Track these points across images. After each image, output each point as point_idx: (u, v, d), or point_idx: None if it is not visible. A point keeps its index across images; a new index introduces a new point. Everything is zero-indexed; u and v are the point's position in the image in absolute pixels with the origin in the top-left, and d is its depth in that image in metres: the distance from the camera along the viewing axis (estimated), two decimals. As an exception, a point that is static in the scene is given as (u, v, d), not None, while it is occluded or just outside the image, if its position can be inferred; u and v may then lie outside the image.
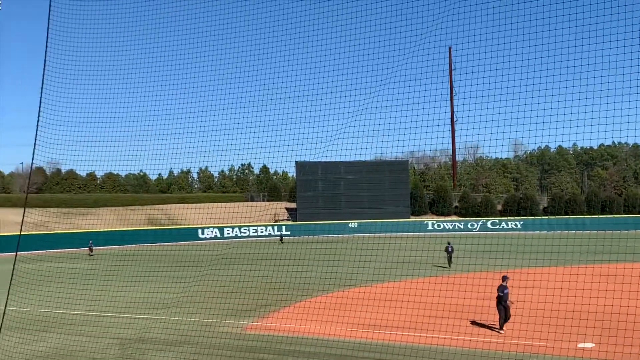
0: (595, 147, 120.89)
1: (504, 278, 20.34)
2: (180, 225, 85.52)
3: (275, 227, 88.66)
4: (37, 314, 23.43)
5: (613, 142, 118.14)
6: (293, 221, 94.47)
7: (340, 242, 50.21)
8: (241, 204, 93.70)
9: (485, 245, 25.79)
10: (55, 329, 21.34)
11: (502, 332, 19.48)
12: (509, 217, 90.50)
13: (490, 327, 20.41)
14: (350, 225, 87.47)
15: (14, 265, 15.42)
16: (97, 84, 18.49)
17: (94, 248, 61.96)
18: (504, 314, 19.75)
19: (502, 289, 20.00)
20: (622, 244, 30.11)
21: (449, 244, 41.27)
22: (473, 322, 21.17)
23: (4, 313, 15.24)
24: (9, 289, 14.87)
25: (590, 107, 15.37)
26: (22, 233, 16.37)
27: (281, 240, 75.49)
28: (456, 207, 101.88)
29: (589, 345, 17.16)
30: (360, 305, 21.58)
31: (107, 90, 18.87)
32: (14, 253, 18.35)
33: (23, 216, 16.71)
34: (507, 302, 19.83)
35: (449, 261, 40.22)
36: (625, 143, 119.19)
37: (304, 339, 19.04)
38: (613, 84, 15.18)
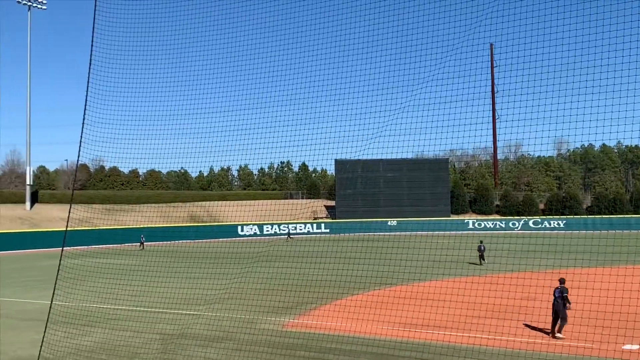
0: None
1: (561, 281, 19.55)
2: (220, 222, 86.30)
3: (315, 225, 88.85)
4: (81, 308, 23.92)
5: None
6: (332, 219, 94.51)
7: (379, 241, 50.08)
8: (280, 201, 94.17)
9: (528, 245, 25.44)
10: (99, 323, 21.76)
11: (559, 335, 18.74)
12: (551, 217, 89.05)
13: (533, 328, 20.10)
14: (389, 223, 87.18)
15: (60, 261, 15.75)
16: (140, 81, 18.74)
17: (145, 243, 63.74)
18: (559, 317, 18.91)
19: (557, 291, 19.19)
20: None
21: (481, 242, 42.33)
22: (526, 325, 20.89)
23: (50, 307, 15.59)
24: (55, 284, 15.20)
25: (637, 105, 15.01)
26: (67, 229, 16.72)
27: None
28: (497, 205, 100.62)
29: (635, 347, 16.79)
30: (400, 303, 21.46)
31: (150, 88, 19.11)
32: (60, 249, 18.73)
33: (69, 212, 17.05)
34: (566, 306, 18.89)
35: (481, 259, 41.57)
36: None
37: (343, 337, 19.04)
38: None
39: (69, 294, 22.06)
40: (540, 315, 19.63)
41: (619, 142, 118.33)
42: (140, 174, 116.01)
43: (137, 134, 19.15)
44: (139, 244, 64.35)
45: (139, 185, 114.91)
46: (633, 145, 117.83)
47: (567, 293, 19.05)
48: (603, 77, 14.82)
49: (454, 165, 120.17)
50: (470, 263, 41.02)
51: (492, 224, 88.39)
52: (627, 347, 16.82)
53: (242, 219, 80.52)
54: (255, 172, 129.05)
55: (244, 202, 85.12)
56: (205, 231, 77.90)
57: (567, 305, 18.94)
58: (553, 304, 19.14)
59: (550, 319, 19.43)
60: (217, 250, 43.73)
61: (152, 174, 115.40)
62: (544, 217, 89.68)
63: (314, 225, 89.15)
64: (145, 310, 24.48)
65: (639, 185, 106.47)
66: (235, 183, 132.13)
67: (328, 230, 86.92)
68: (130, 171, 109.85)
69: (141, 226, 71.79)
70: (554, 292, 19.36)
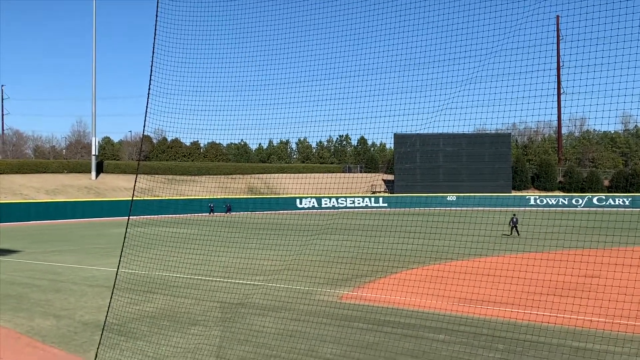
0: None
1: None
2: (279, 194, 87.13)
3: (373, 199, 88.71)
4: (144, 276, 24.60)
5: None
6: (390, 193, 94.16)
7: (438, 215, 49.65)
8: (339, 175, 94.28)
9: (591, 222, 24.75)
10: (161, 290, 22.36)
11: None
12: (616, 194, 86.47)
13: (595, 306, 19.62)
14: (448, 198, 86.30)
15: (126, 229, 16.19)
16: (204, 53, 18.90)
17: (215, 213, 67.19)
18: None
19: None
20: None
21: (514, 215, 44.93)
22: (588, 303, 20.44)
23: (117, 274, 16.08)
24: (122, 251, 15.66)
25: None
26: (134, 198, 17.13)
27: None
28: (560, 182, 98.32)
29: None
30: (458, 278, 21.28)
31: (213, 60, 19.25)
32: (124, 217, 19.26)
33: (135, 182, 17.47)
34: None
35: (513, 231, 44.05)
36: None
37: (400, 310, 19.03)
38: None
39: (133, 261, 22.75)
40: (604, 293, 19.08)
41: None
42: (202, 145, 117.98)
43: (199, 106, 19.35)
44: (208, 213, 67.55)
45: (200, 157, 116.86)
46: None
47: None
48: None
49: (517, 140, 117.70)
50: (504, 235, 42.45)
51: (555, 200, 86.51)
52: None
53: (300, 192, 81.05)
54: (314, 145, 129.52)
55: (303, 175, 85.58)
56: (264, 203, 78.80)
57: None
58: None
59: (614, 297, 18.87)
60: (275, 222, 44.22)
61: (213, 145, 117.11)
62: (609, 194, 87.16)
63: (372, 199, 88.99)
64: (205, 279, 25.02)
65: None
66: (294, 156, 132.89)
67: (386, 205, 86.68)
68: (191, 143, 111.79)
69: (202, 197, 73.08)
70: None
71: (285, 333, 16.51)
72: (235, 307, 19.97)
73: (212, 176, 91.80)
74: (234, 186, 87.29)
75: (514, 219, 44.27)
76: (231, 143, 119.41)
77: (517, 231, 43.90)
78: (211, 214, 69.10)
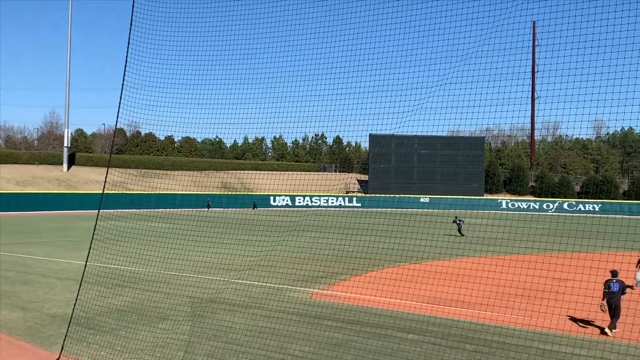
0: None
1: (614, 273, 17.94)
2: (253, 191, 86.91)
3: (347, 199, 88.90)
4: (114, 270, 24.38)
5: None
6: (364, 193, 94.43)
7: (411, 216, 49.95)
8: (313, 173, 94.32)
9: (563, 224, 25.12)
10: (130, 285, 22.16)
11: (612, 332, 17.01)
12: (587, 200, 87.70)
13: (562, 308, 19.89)
14: (421, 199, 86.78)
15: (95, 222, 16.03)
16: (180, 48, 18.78)
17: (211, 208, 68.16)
18: (613, 312, 17.31)
19: (616, 285, 17.50)
20: None
21: (456, 217, 46.40)
22: (556, 305, 20.70)
23: (85, 267, 15.91)
24: (91, 244, 15.49)
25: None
26: (104, 192, 16.95)
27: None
28: (532, 186, 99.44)
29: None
30: (428, 278, 21.44)
31: (188, 55, 19.14)
32: (95, 211, 19.07)
33: (106, 175, 17.30)
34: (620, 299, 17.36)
35: (459, 232, 45.18)
36: None
37: (370, 309, 19.11)
38: None
39: (102, 255, 22.52)
40: (571, 294, 19.31)
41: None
42: (176, 140, 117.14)
43: (174, 100, 19.20)
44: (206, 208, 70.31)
45: (174, 151, 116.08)
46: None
47: (626, 288, 17.58)
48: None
49: (490, 144, 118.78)
50: (449, 235, 43.19)
51: (526, 204, 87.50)
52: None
53: (275, 190, 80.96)
54: (289, 143, 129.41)
55: (277, 172, 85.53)
56: (238, 200, 78.57)
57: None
58: (609, 298, 17.24)
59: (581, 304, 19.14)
60: (248, 219, 44.06)
61: (188, 141, 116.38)
62: (579, 199, 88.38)
63: (346, 199, 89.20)
64: (176, 274, 24.87)
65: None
66: (269, 153, 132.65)
67: (360, 205, 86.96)
68: (165, 137, 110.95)
69: (175, 192, 72.66)
70: (608, 285, 17.41)
71: (255, 330, 16.48)
72: (206, 303, 19.88)
73: (185, 171, 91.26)
74: (208, 182, 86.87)
75: (457, 222, 45.78)
76: (206, 139, 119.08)
77: (460, 232, 45.25)
78: (209, 209, 70.06)
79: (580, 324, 18.03)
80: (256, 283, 23.52)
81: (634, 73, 14.16)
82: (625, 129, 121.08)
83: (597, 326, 17.77)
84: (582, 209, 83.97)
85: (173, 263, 25.24)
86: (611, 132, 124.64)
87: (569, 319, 18.38)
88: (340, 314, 18.69)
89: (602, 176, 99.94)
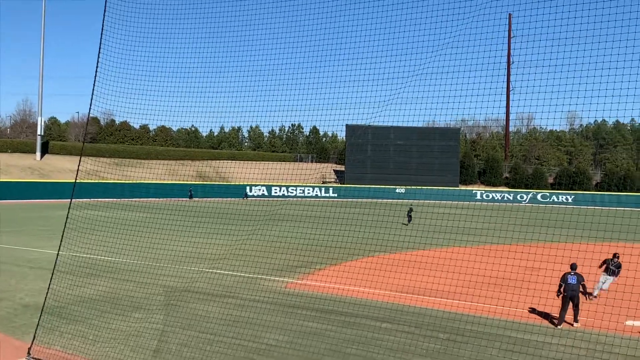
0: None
1: (573, 266, 17.97)
2: (229, 181, 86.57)
3: (323, 189, 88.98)
4: (87, 259, 24.15)
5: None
6: (340, 183, 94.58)
7: (387, 207, 50.13)
8: (290, 164, 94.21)
9: (533, 219, 25.32)
10: (104, 274, 22.00)
11: (560, 327, 17.18)
12: (560, 191, 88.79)
13: (531, 296, 20.13)
14: (397, 190, 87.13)
15: (68, 211, 15.85)
16: (155, 36, 18.58)
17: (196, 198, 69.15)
18: (571, 306, 17.34)
19: (574, 278, 17.48)
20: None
21: (411, 205, 49.00)
22: (525, 296, 20.93)
23: (57, 257, 15.75)
24: (63, 233, 15.32)
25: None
26: (77, 181, 16.75)
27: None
28: (506, 178, 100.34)
29: (638, 323, 16.83)
30: (403, 267, 21.55)
31: (163, 43, 18.95)
32: (69, 200, 18.84)
33: (79, 164, 17.09)
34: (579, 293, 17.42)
35: (409, 220, 46.67)
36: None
37: (345, 299, 19.18)
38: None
39: (76, 244, 22.29)
40: (544, 283, 19.53)
41: (632, 119, 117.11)
42: (151, 129, 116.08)
43: (149, 89, 19.00)
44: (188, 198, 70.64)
45: (149, 141, 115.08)
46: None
47: (584, 281, 17.66)
48: (620, 52, 14.57)
49: (465, 136, 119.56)
50: (402, 224, 44.30)
51: (500, 195, 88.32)
52: (630, 322, 16.86)
53: (251, 180, 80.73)
54: (265, 133, 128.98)
55: (254, 162, 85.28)
56: (214, 190, 78.21)
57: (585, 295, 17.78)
58: (565, 291, 17.32)
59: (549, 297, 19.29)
60: (224, 209, 43.85)
61: (163, 130, 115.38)
62: (553, 191, 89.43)
63: (322, 189, 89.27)
64: (150, 264, 24.73)
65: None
66: (245, 143, 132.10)
67: (336, 195, 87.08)
68: (140, 126, 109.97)
69: (149, 181, 72.10)
70: (566, 278, 17.47)
71: (229, 319, 16.47)
72: (180, 293, 19.81)
73: (160, 161, 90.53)
74: (183, 172, 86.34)
75: (409, 211, 47.35)
76: (181, 128, 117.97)
77: (410, 219, 46.64)
78: (191, 199, 69.75)
79: (553, 314, 18.27)
80: (231, 273, 23.49)
81: (607, 64, 14.32)
82: (599, 121, 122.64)
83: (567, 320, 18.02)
84: (556, 200, 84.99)
85: (147, 253, 25.07)
86: (584, 124, 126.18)
87: (541, 308, 18.60)
88: (315, 304, 18.75)
89: (575, 168, 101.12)
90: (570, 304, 17.29)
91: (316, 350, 14.01)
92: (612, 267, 20.31)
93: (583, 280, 17.45)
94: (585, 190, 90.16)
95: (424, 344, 14.67)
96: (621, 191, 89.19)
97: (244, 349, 14.07)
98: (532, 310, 18.14)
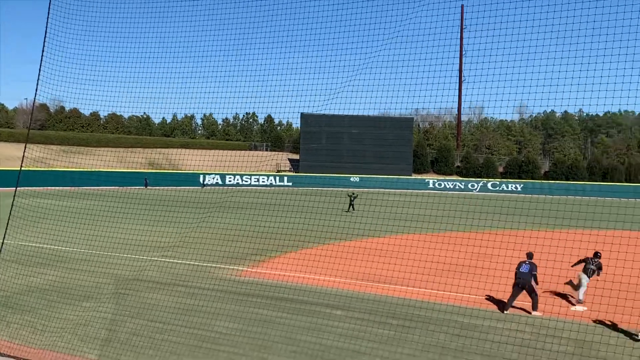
0: (601, 114, 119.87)
1: (529, 255, 18.04)
2: (182, 170, 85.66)
3: (278, 177, 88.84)
4: (34, 249, 23.63)
5: (619, 110, 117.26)
6: (295, 172, 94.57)
7: (341, 195, 50.36)
8: (244, 152, 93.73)
9: (485, 207, 25.77)
10: (52, 264, 21.55)
11: (505, 313, 17.21)
12: (509, 180, 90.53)
13: (483, 282, 20.54)
14: (352, 179, 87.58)
15: (13, 199, 15.46)
16: (104, 21, 18.19)
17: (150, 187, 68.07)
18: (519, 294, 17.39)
19: (526, 267, 17.49)
20: (621, 211, 30.13)
21: (353, 193, 48.85)
22: (478, 283, 21.32)
23: (2, 246, 15.37)
24: (8, 222, 14.96)
25: (599, 72, 15.16)
26: (23, 168, 16.33)
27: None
28: (458, 167, 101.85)
29: (580, 308, 17.32)
30: (356, 253, 21.73)
31: (114, 28, 18.57)
32: (20, 188, 18.38)
33: (24, 151, 16.66)
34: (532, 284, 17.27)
35: (350, 207, 46.64)
36: (632, 111, 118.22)
37: (298, 287, 19.21)
38: (624, 49, 14.92)
39: (23, 233, 21.77)
40: (494, 269, 19.92)
41: (580, 110, 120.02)
42: (102, 117, 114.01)
43: (99, 76, 18.63)
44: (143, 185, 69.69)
45: (99, 128, 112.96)
46: (594, 114, 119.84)
47: (536, 271, 17.45)
48: (566, 43, 14.88)
49: (419, 125, 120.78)
50: (346, 211, 45.16)
51: (452, 184, 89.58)
52: (574, 308, 17.33)
53: (205, 168, 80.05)
54: (219, 121, 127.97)
55: (207, 151, 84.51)
56: (166, 179, 77.33)
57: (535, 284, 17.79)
58: (519, 279, 17.30)
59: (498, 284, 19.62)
60: (176, 198, 43.49)
61: (114, 117, 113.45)
62: (503, 179, 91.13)
63: (277, 177, 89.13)
64: (99, 254, 24.33)
65: (596, 153, 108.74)
66: (199, 131, 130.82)
67: (291, 184, 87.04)
68: (91, 113, 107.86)
69: (99, 169, 70.83)
70: (520, 265, 17.55)
71: (180, 307, 16.36)
72: (130, 282, 19.55)
73: (111, 148, 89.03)
74: (134, 160, 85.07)
75: (353, 196, 47.37)
76: (133, 115, 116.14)
77: (353, 207, 46.58)
78: (146, 187, 68.49)
79: (502, 300, 18.63)
80: (182, 262, 23.29)
81: (554, 54, 14.62)
82: (548, 112, 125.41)
83: (518, 307, 18.41)
84: (505, 188, 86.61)
85: (97, 242, 24.69)
86: (534, 115, 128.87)
87: (491, 294, 18.97)
88: (268, 291, 18.75)
89: (525, 157, 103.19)
90: (525, 292, 17.27)
91: (268, 338, 14.02)
92: (592, 266, 18.49)
93: (535, 271, 17.27)
94: (534, 179, 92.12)
95: (376, 329, 14.82)
96: (569, 180, 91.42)
97: (195, 337, 13.99)
98: (481, 296, 18.49)
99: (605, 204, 35.21)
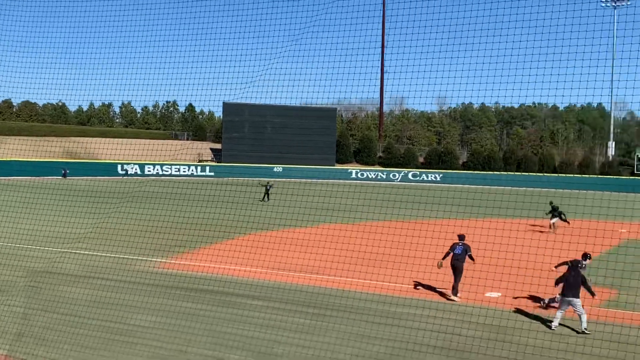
0: (516, 107, 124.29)
1: (461, 237, 18.40)
2: (99, 159, 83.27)
3: (199, 167, 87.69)
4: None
5: (533, 103, 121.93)
6: (217, 162, 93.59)
7: (263, 186, 50.24)
8: (164, 141, 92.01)
9: (405, 196, 26.29)
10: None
11: (455, 298, 17.51)
12: (429, 170, 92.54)
13: (405, 271, 20.93)
14: (275, 169, 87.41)
15: None
16: (14, 7, 17.44)
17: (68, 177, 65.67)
18: (455, 275, 17.80)
19: (460, 248, 17.90)
20: (534, 200, 31.27)
21: (268, 182, 48.70)
22: (398, 271, 21.68)
23: None
24: None
25: (514, 64, 15.68)
26: None
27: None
28: (380, 157, 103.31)
29: (495, 294, 17.87)
30: (276, 243, 21.72)
31: (27, 13, 17.83)
32: None
33: None
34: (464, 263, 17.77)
35: (265, 196, 47.02)
36: (545, 104, 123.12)
37: (219, 278, 19.05)
38: (538, 43, 15.48)
39: None
40: (415, 259, 20.31)
41: (496, 102, 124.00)
42: (14, 104, 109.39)
43: (12, 61, 17.86)
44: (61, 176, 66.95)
45: (12, 116, 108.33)
46: (509, 106, 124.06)
47: (470, 251, 17.95)
48: (482, 36, 15.30)
49: (342, 115, 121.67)
50: (260, 200, 45.73)
51: (374, 174, 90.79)
52: (489, 294, 17.88)
53: (123, 158, 78.14)
54: (138, 110, 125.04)
55: (126, 140, 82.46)
56: (82, 168, 75.03)
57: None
58: (454, 261, 17.75)
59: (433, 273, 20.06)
60: (93, 188, 42.28)
61: (27, 105, 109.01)
62: (423, 170, 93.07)
63: (199, 167, 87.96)
64: (11, 246, 23.38)
65: (511, 144, 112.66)
66: (117, 120, 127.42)
67: (213, 174, 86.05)
68: (3, 101, 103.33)
69: (11, 158, 68.04)
70: (454, 247, 17.96)
71: (98, 301, 15.94)
72: (44, 275, 18.88)
73: (25, 137, 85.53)
74: (49, 149, 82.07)
75: (268, 186, 47.73)
76: (48, 103, 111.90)
77: (268, 196, 47.01)
78: (64, 177, 66.51)
79: (424, 289, 19.00)
80: (100, 254, 22.68)
81: (471, 47, 15.01)
82: (466, 104, 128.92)
83: (439, 291, 18.86)
84: (426, 178, 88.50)
85: (8, 233, 23.69)
86: (453, 106, 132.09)
87: (411, 282, 19.35)
88: (189, 283, 18.52)
89: (444, 148, 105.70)
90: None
91: (189, 330, 13.85)
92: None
93: (470, 251, 17.89)
94: (452, 169, 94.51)
95: (296, 319, 14.89)
96: (485, 170, 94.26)
97: (113, 331, 13.67)
98: (402, 284, 18.83)
99: (519, 194, 36.52)
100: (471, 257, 17.91)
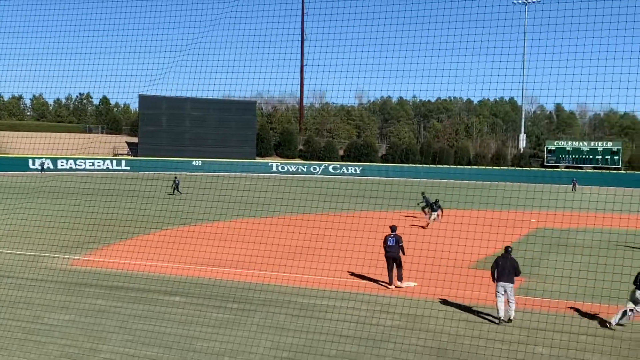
0: (433, 100, 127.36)
1: (393, 228, 18.58)
2: (9, 154, 79.81)
3: (115, 162, 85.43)
4: None
5: (449, 97, 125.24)
6: (134, 156, 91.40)
7: (182, 180, 49.45)
8: (78, 135, 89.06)
9: (324, 189, 26.40)
10: None
11: (391, 287, 17.89)
12: (349, 163, 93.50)
13: (324, 263, 21.04)
14: (194, 163, 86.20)
15: None
16: None
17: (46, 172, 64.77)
18: (395, 265, 17.99)
19: (392, 239, 18.10)
20: (449, 192, 32.15)
21: (175, 177, 48.91)
22: (321, 264, 21.75)
23: None
24: None
25: (429, 58, 15.99)
26: None
27: (42, 170, 72.78)
28: (301, 150, 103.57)
29: (411, 284, 18.21)
30: (196, 239, 21.41)
31: None
32: None
33: None
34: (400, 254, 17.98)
35: (175, 191, 47.07)
36: (460, 98, 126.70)
37: (134, 274, 18.61)
38: (452, 38, 15.82)
39: None
40: (334, 251, 20.45)
41: (414, 96, 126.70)
42: None
43: None
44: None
45: None
46: (426, 100, 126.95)
47: (402, 242, 18.17)
48: (398, 30, 15.52)
49: (262, 109, 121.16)
50: (169, 194, 45.19)
51: (295, 167, 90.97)
52: (405, 284, 18.18)
53: (34, 152, 75.22)
54: (50, 102, 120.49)
55: (37, 133, 79.31)
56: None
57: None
58: (387, 252, 17.99)
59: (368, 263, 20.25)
60: (1, 184, 40.46)
61: None
62: (343, 163, 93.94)
63: (114, 162, 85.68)
64: None
65: (428, 137, 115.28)
66: (28, 113, 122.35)
67: (129, 168, 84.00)
68: None
69: None
70: (386, 240, 18.16)
71: (5, 300, 15.26)
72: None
73: None
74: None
75: (176, 181, 47.91)
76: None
77: (179, 191, 47.20)
78: (42, 172, 65.69)
79: (341, 279, 19.17)
80: (8, 251, 21.74)
81: (387, 41, 15.20)
82: (384, 98, 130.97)
83: (371, 279, 19.04)
84: (346, 171, 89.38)
85: None
86: (372, 100, 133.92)
87: (330, 274, 19.48)
88: (103, 280, 18.01)
89: (363, 141, 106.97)
90: (394, 264, 17.98)
91: (102, 328, 13.47)
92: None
93: (401, 242, 18.12)
94: (372, 162, 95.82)
95: (215, 314, 14.73)
96: (403, 162, 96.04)
97: (23, 330, 13.14)
98: (320, 276, 18.94)
99: (434, 185, 37.43)
100: (402, 249, 18.10)
